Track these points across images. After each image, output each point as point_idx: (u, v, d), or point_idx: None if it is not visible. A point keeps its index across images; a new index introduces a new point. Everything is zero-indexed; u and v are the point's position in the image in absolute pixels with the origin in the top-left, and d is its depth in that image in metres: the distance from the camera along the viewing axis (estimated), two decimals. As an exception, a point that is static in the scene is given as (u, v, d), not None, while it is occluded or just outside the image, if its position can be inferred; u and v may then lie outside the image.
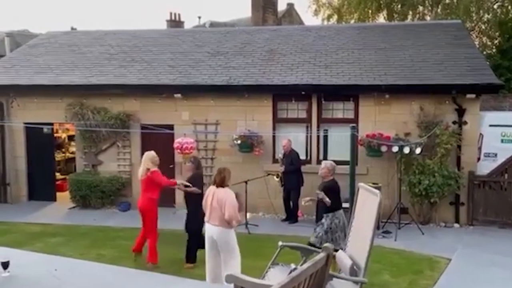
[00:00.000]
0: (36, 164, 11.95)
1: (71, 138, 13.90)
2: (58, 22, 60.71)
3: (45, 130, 11.68)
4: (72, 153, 13.50)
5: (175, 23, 23.84)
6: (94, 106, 11.29)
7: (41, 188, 11.97)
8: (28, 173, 11.98)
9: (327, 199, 6.46)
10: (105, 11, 62.57)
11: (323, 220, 6.55)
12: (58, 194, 12.22)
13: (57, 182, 12.56)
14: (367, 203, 4.19)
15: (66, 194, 11.70)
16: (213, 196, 5.98)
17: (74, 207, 11.36)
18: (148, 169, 7.25)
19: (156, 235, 7.43)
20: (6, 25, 55.94)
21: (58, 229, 9.56)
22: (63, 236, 9.00)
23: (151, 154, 7.40)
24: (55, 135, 12.89)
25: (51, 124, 11.82)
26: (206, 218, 6.11)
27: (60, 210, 11.19)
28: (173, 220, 9.43)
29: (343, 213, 6.72)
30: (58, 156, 13.42)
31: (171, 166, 11.11)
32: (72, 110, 11.33)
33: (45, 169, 11.97)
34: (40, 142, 11.83)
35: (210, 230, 6.03)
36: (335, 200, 6.57)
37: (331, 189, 6.61)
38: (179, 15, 24.46)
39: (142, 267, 6.93)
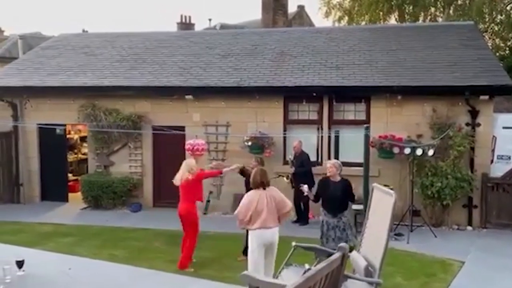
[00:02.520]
0: (48, 164, 12.06)
1: (83, 139, 14.01)
2: (69, 24, 61.24)
3: (57, 131, 11.79)
4: (84, 154, 13.60)
5: (186, 25, 23.98)
6: (106, 108, 11.37)
7: (54, 189, 12.08)
8: (41, 173, 12.09)
9: (311, 194, 6.79)
10: (115, 14, 63.09)
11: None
12: (70, 195, 12.31)
13: (69, 183, 12.66)
14: (382, 204, 4.16)
15: (78, 195, 11.78)
16: (266, 198, 5.71)
17: (86, 207, 11.44)
18: (187, 178, 7.19)
19: (195, 240, 7.31)
20: (19, 28, 56.63)
21: (70, 229, 9.64)
22: (75, 236, 9.07)
23: (191, 162, 7.40)
24: (68, 136, 13.01)
25: (64, 125, 11.94)
26: (256, 225, 5.67)
27: (72, 211, 11.27)
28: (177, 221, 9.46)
29: (347, 213, 6.80)
30: (71, 157, 13.53)
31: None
32: (84, 111, 11.43)
33: (58, 170, 12.08)
34: (53, 143, 11.95)
35: (266, 235, 5.68)
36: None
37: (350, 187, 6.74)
38: (189, 17, 24.61)
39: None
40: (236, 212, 5.86)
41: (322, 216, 6.75)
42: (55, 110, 11.56)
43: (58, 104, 11.56)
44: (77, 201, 11.65)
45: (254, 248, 5.72)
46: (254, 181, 5.86)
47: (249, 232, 5.83)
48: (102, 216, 10.64)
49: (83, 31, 19.11)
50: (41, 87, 11.56)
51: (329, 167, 6.75)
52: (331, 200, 6.63)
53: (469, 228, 9.80)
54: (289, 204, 5.85)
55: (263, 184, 5.81)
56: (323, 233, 6.63)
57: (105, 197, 11.13)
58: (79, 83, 11.48)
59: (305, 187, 6.81)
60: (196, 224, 7.34)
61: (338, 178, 6.69)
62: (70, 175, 13.04)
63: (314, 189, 9.62)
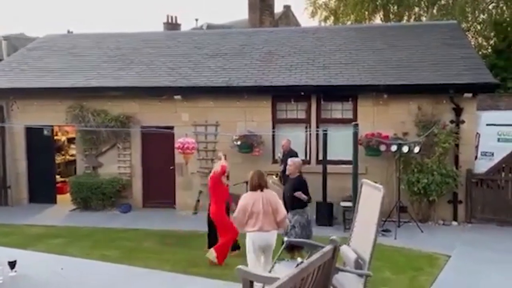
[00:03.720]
0: (36, 166, 11.99)
1: (70, 140, 13.95)
2: (54, 25, 60.67)
3: (45, 132, 11.73)
4: (72, 155, 13.55)
5: (172, 25, 23.97)
6: (94, 109, 11.34)
7: (42, 191, 12.00)
8: (29, 175, 12.01)
9: (304, 196, 6.65)
10: (101, 14, 62.59)
11: (295, 217, 6.64)
12: (59, 196, 12.25)
13: (57, 185, 12.59)
14: (371, 198, 4.29)
15: (67, 196, 11.74)
16: (262, 200, 5.63)
17: (75, 209, 11.39)
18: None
19: (228, 239, 7.26)
20: (2, 29, 55.82)
21: (60, 231, 9.60)
22: (66, 238, 9.04)
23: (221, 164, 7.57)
24: (55, 137, 12.93)
25: (51, 126, 11.87)
26: (253, 228, 5.60)
27: (61, 212, 11.22)
28: (175, 221, 9.54)
29: (309, 210, 6.86)
30: (58, 158, 13.44)
31: (171, 167, 11.19)
32: (72, 112, 11.39)
33: (46, 171, 12.01)
34: (40, 144, 11.89)
35: (263, 238, 5.59)
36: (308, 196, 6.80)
37: (302, 184, 6.77)
38: (176, 17, 24.61)
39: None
40: (234, 216, 5.81)
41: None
42: (42, 112, 11.50)
43: (45, 105, 11.50)
44: (66, 203, 11.60)
45: (250, 250, 5.68)
46: (251, 183, 5.78)
47: (246, 234, 5.76)
48: (91, 218, 10.62)
49: (68, 32, 18.99)
50: (28, 89, 11.49)
51: (289, 165, 6.92)
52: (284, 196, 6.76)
53: (455, 223, 10.01)
54: (283, 212, 5.74)
55: (260, 186, 5.73)
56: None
57: (94, 198, 11.11)
58: (67, 84, 11.42)
59: (299, 193, 6.73)
60: (224, 223, 7.32)
61: (296, 175, 6.86)
62: (58, 176, 12.97)
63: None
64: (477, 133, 10.41)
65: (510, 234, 9.22)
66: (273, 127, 10.81)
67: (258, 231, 5.57)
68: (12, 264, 5.62)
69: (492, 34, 16.50)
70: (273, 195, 5.77)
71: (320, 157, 10.36)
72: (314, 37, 12.90)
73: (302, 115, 10.85)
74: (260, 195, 5.68)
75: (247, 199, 5.72)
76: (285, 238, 5.16)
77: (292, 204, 6.68)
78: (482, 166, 10.24)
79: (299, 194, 6.63)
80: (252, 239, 5.64)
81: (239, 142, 10.44)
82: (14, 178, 11.93)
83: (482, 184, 9.97)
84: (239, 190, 9.66)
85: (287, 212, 6.10)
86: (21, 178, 11.99)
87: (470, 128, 10.04)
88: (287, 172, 6.94)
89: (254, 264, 5.58)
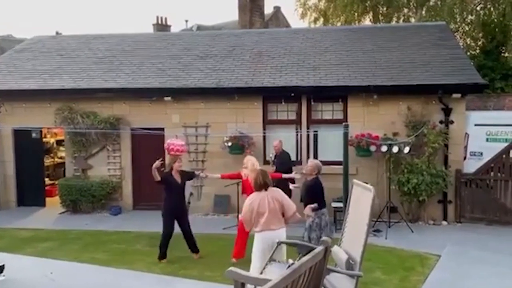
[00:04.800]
0: (25, 169, 11.86)
1: (59, 143, 13.83)
2: (42, 26, 60.16)
3: (33, 134, 11.62)
4: (61, 158, 13.43)
5: (162, 27, 23.89)
6: (84, 110, 11.25)
7: (30, 194, 11.88)
8: (17, 178, 11.88)
9: (310, 213, 6.63)
10: (90, 16, 62.19)
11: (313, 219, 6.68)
12: (48, 199, 12.14)
13: (46, 188, 12.46)
14: (361, 199, 4.29)
15: (56, 199, 11.62)
16: (267, 199, 5.61)
17: (64, 212, 11.29)
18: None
19: (239, 236, 7.36)
20: (-11, 31, 55.20)
21: (50, 234, 9.49)
22: (55, 241, 8.94)
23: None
24: (44, 140, 12.81)
25: (40, 129, 11.76)
26: (259, 228, 5.58)
27: (50, 215, 11.10)
28: (158, 223, 9.44)
29: (326, 212, 6.84)
30: (47, 161, 13.33)
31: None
32: (61, 114, 11.28)
33: (34, 174, 11.89)
34: (29, 147, 11.77)
35: (270, 237, 5.50)
36: (321, 199, 6.75)
37: (317, 187, 6.77)
38: (165, 19, 24.53)
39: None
40: (241, 217, 5.76)
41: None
42: (31, 114, 11.39)
43: (34, 107, 11.39)
44: (55, 206, 11.48)
45: (258, 249, 5.61)
46: (256, 182, 5.73)
47: (255, 234, 5.71)
48: (81, 220, 10.52)
49: (57, 33, 18.81)
50: (16, 91, 11.37)
51: (308, 166, 6.94)
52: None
53: (444, 223, 10.08)
54: (292, 206, 5.71)
55: (266, 185, 5.69)
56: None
57: (84, 200, 11.02)
58: (55, 86, 11.33)
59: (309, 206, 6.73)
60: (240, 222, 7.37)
61: (313, 177, 6.88)
62: (47, 179, 12.84)
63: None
64: (466, 133, 10.50)
65: (499, 233, 9.31)
66: (264, 128, 10.81)
67: (265, 230, 5.54)
68: (0, 268, 5.54)
69: (480, 35, 16.64)
70: (278, 192, 5.75)
71: (311, 158, 10.36)
72: (304, 38, 12.93)
73: (292, 116, 10.86)
74: (265, 194, 5.65)
75: (252, 199, 5.68)
76: (277, 240, 5.14)
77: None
78: (471, 166, 10.32)
79: (312, 200, 6.67)
80: (259, 238, 5.59)
81: (230, 144, 10.42)
82: (2, 181, 11.79)
83: (471, 184, 10.04)
84: (231, 191, 9.68)
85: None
86: (9, 181, 11.85)
87: (459, 128, 10.13)
88: (304, 171, 6.92)
89: (260, 265, 5.36)
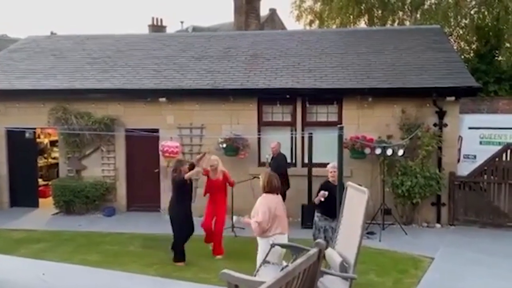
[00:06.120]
0: (18, 170, 11.78)
1: (53, 143, 13.75)
2: (37, 26, 59.90)
3: (27, 135, 11.55)
4: (54, 158, 13.35)
5: (157, 27, 23.84)
6: (78, 111, 11.20)
7: (24, 194, 11.80)
8: (10, 179, 11.80)
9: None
10: (85, 16, 61.98)
11: (324, 222, 6.87)
12: (41, 200, 12.05)
13: (40, 188, 12.38)
14: (355, 201, 4.30)
15: (49, 200, 11.55)
16: (281, 203, 5.60)
17: (57, 213, 11.22)
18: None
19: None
20: (-17, 30, 54.86)
21: (43, 235, 9.44)
22: (48, 242, 8.89)
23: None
24: (37, 140, 12.73)
25: (34, 129, 11.69)
26: (275, 231, 5.42)
27: (43, 216, 11.04)
28: (160, 224, 9.42)
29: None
30: (40, 161, 13.24)
31: (156, 170, 11.11)
32: (55, 114, 11.22)
33: (28, 175, 11.81)
34: (22, 147, 11.68)
35: (283, 240, 5.43)
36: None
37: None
38: (161, 20, 24.48)
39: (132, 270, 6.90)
40: (259, 220, 5.39)
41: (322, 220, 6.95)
42: (24, 114, 11.31)
43: (27, 107, 11.33)
44: (48, 207, 11.41)
45: (271, 252, 5.28)
46: (271, 185, 5.57)
47: (263, 239, 5.48)
48: (74, 221, 10.46)
49: (51, 33, 18.75)
50: (10, 91, 11.31)
51: (333, 171, 7.01)
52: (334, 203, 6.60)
53: (438, 225, 10.12)
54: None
55: (279, 189, 5.63)
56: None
57: (77, 201, 10.95)
58: (50, 86, 11.27)
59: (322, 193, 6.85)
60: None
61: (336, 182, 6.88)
62: (40, 180, 12.76)
63: (289, 191, 9.75)
64: (460, 136, 10.55)
65: (493, 235, 9.36)
66: (259, 130, 10.81)
67: (280, 234, 5.44)
68: (-8, 270, 5.49)
69: (474, 38, 16.76)
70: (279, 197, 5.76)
71: (306, 160, 10.38)
72: (300, 41, 12.95)
73: (287, 118, 10.87)
74: (279, 198, 5.62)
75: (270, 202, 5.50)
76: (271, 242, 5.13)
77: (319, 208, 6.92)
78: (465, 169, 10.38)
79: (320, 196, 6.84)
80: (276, 241, 5.31)
81: (224, 145, 10.40)
82: (-5, 182, 11.71)
83: (464, 187, 10.10)
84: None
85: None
86: (2, 181, 11.76)
87: (452, 131, 10.18)
88: (330, 179, 7.06)
89: (268, 272, 4.96)
